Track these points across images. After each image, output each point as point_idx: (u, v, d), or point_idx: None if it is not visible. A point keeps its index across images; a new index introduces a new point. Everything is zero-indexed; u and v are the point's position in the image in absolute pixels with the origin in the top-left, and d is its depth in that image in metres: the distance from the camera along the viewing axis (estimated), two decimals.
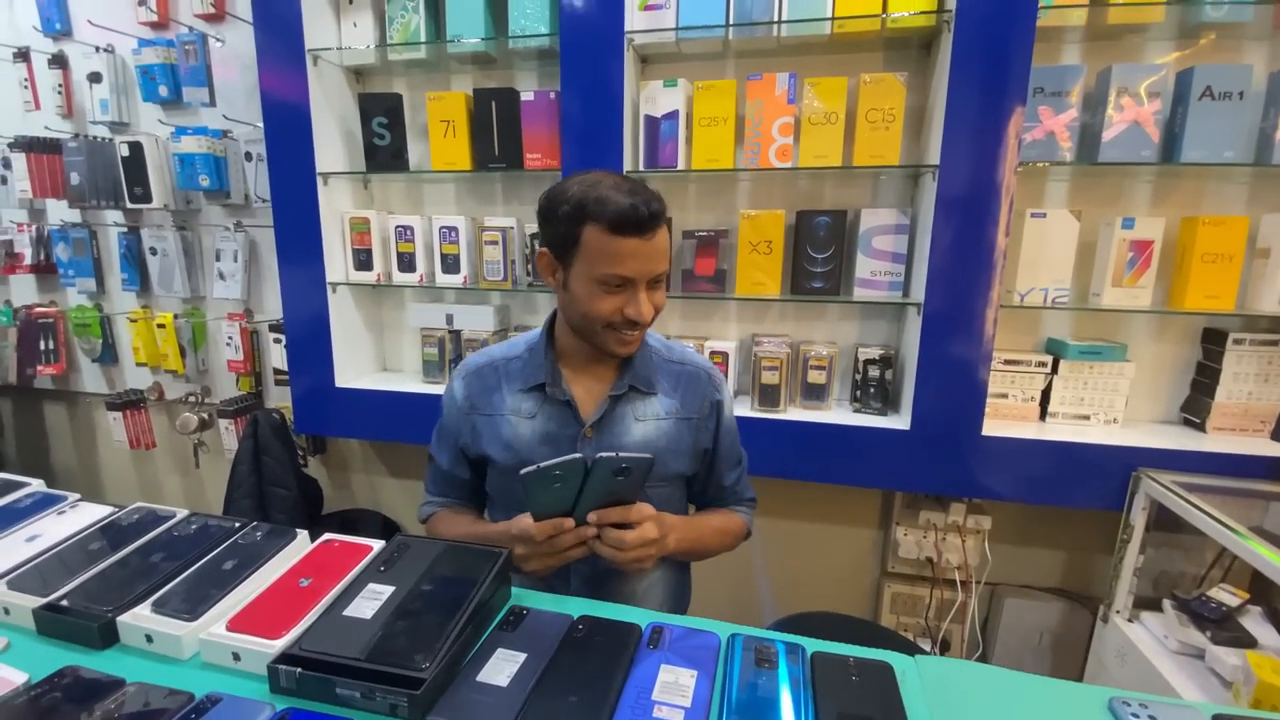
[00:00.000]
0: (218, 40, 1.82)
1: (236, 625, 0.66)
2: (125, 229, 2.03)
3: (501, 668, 0.63)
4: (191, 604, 0.70)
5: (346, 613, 0.67)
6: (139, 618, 0.68)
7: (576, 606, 0.74)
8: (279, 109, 1.61)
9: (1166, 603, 1.30)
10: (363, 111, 1.63)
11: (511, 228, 1.60)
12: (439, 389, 1.71)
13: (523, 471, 0.69)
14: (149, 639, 0.67)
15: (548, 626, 0.69)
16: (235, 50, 1.81)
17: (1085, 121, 1.34)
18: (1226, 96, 1.25)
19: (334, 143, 1.68)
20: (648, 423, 0.96)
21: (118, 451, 2.26)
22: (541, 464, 0.69)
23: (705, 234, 1.52)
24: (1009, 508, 1.55)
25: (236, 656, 0.65)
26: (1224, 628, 1.20)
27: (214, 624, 0.67)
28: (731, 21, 1.37)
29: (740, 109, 1.44)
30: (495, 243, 1.59)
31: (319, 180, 1.63)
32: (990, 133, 1.26)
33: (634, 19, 1.40)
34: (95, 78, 1.91)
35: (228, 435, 1.97)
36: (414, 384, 1.75)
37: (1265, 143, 1.28)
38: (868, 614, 1.77)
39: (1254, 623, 1.22)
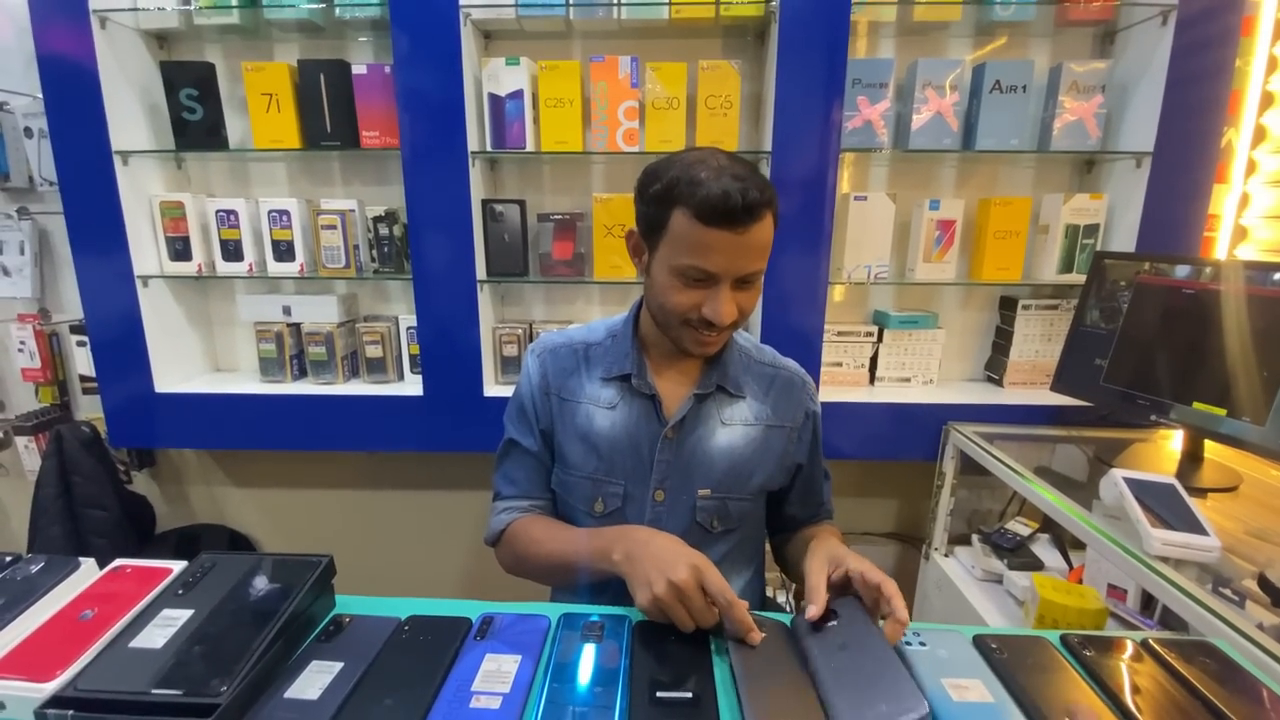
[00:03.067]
0: None
1: (1, 669, 0.59)
2: None
3: (314, 680, 0.60)
4: None
5: (134, 644, 0.61)
6: None
7: (406, 608, 0.72)
8: (61, 78, 1.40)
9: (974, 537, 1.48)
10: (167, 82, 1.45)
11: (352, 210, 1.51)
12: (280, 388, 1.59)
13: None
14: None
15: (371, 631, 0.67)
16: (9, 10, 1.54)
17: (899, 111, 1.47)
18: (1012, 90, 1.41)
19: (133, 117, 1.49)
20: (734, 428, 0.89)
21: None
22: None
23: (561, 217, 1.51)
24: (847, 465, 1.69)
25: (1, 705, 0.57)
26: (1018, 555, 1.40)
27: None
28: (572, 1, 1.36)
29: (586, 90, 1.43)
30: (333, 227, 1.49)
31: (116, 159, 1.43)
32: (815, 121, 1.35)
33: None
34: None
35: (28, 454, 1.72)
36: (251, 384, 1.61)
37: (1045, 131, 1.46)
38: None
39: (1042, 548, 1.43)
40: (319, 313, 1.57)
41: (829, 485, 1.04)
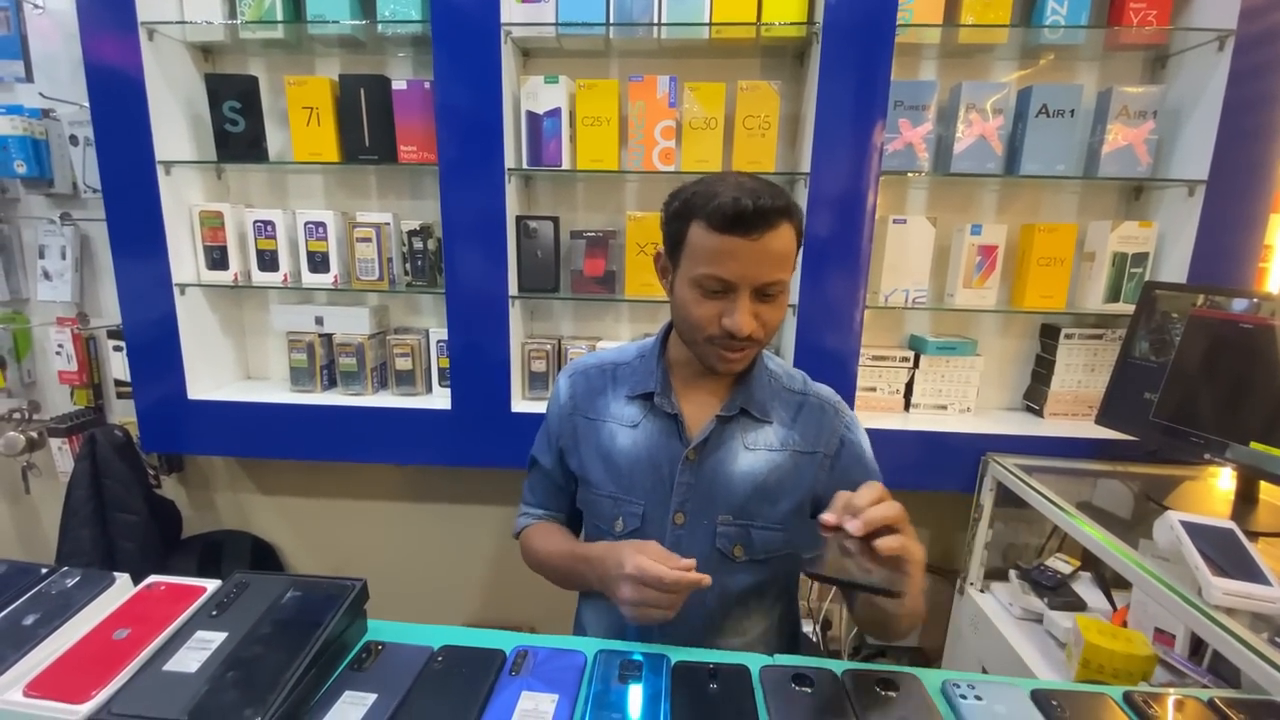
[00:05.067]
0: (36, 6, 1.59)
1: (35, 689, 0.58)
2: None
3: (347, 713, 0.58)
4: None
5: (168, 668, 0.60)
6: None
7: (438, 637, 0.70)
8: (108, 88, 1.42)
9: (1012, 573, 1.43)
10: (211, 94, 1.47)
11: (387, 224, 1.51)
12: (309, 398, 1.59)
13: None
14: None
15: (404, 661, 0.66)
16: (57, 18, 1.58)
17: (940, 134, 1.44)
18: (1060, 114, 1.38)
19: (178, 128, 1.51)
20: (757, 453, 0.86)
21: None
22: None
23: (594, 234, 1.50)
24: None
25: None
26: (1059, 594, 1.35)
27: (9, 689, 0.58)
28: (612, 20, 1.36)
29: (623, 109, 1.43)
30: (369, 240, 1.50)
31: (159, 169, 1.46)
32: (855, 142, 1.33)
33: (512, 10, 1.35)
34: None
35: (62, 456, 1.74)
36: (281, 393, 1.61)
37: (1092, 157, 1.42)
38: None
39: (1084, 588, 1.38)
40: (351, 324, 1.58)
41: None
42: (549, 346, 1.57)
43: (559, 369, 1.57)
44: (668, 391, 0.88)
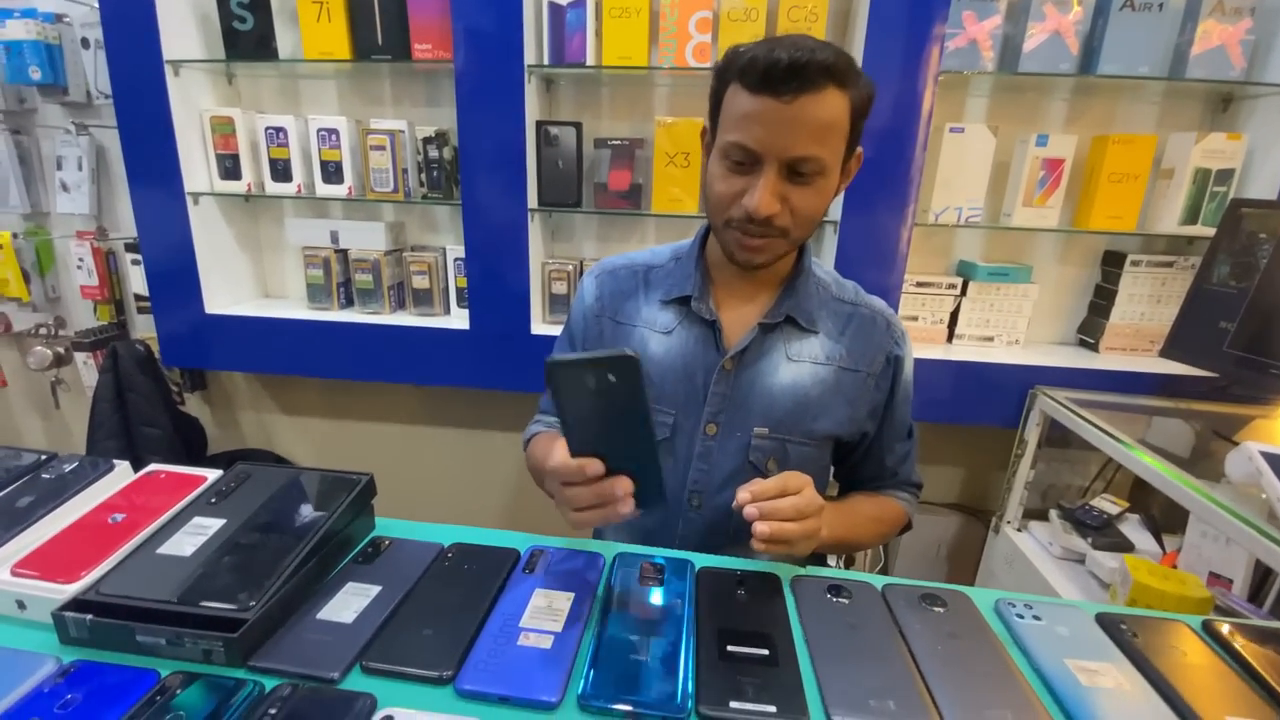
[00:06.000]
0: None
1: (24, 568, 0.55)
2: None
3: (349, 603, 0.55)
4: None
5: (161, 550, 0.56)
6: None
7: (450, 535, 0.66)
8: None
9: (1053, 512, 1.36)
10: None
11: (401, 131, 1.43)
12: (326, 315, 1.55)
13: (549, 360, 0.50)
14: None
15: (412, 556, 0.62)
16: None
17: (1007, 32, 1.29)
18: (1147, 7, 1.22)
19: (185, 25, 1.43)
20: (801, 365, 0.79)
21: None
22: (576, 356, 0.51)
23: (619, 143, 1.40)
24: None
25: (21, 605, 0.54)
26: (1104, 534, 1.27)
27: None
28: None
29: (654, 1, 1.30)
30: (382, 148, 1.42)
31: (168, 70, 1.39)
32: (912, 37, 1.19)
33: None
34: None
35: (87, 371, 1.74)
36: (299, 310, 1.58)
37: (1180, 58, 1.27)
38: None
39: (1132, 529, 1.30)
40: (366, 240, 1.52)
41: (909, 448, 0.90)
42: (570, 267, 1.49)
43: None
44: (705, 296, 0.80)
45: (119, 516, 0.62)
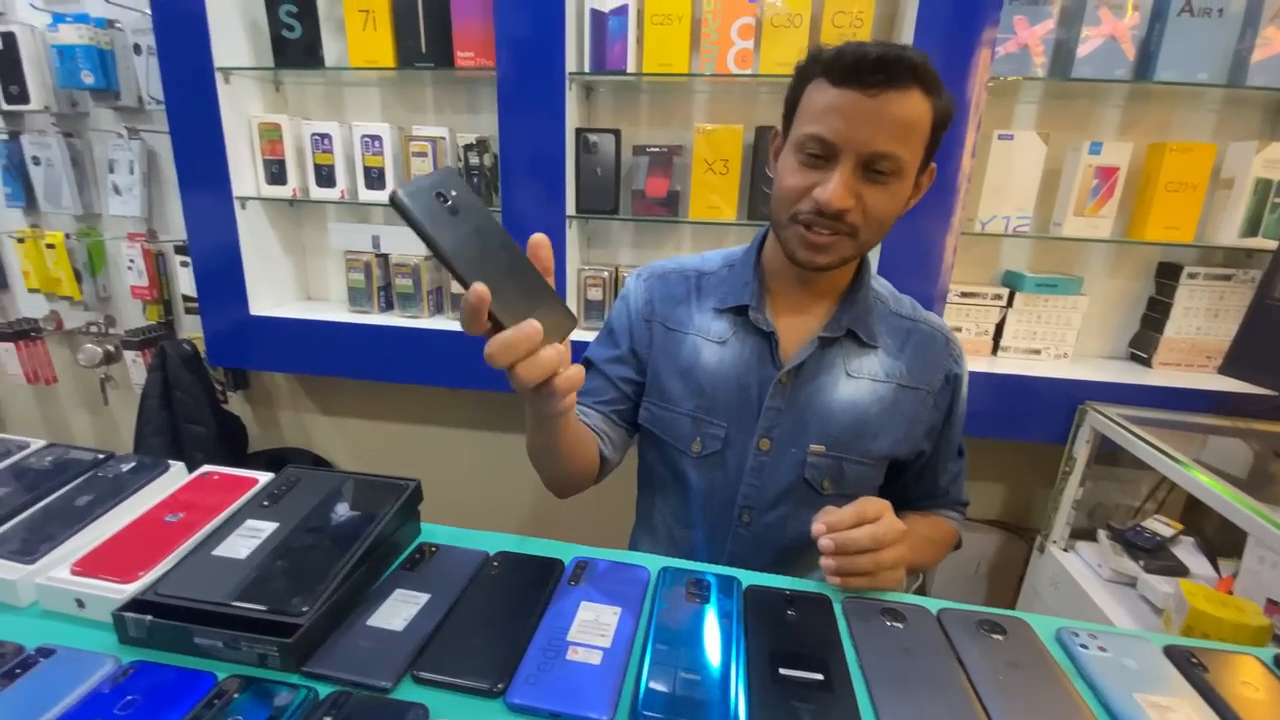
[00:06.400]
0: None
1: (83, 568, 0.56)
2: (4, 135, 1.77)
3: (398, 610, 0.55)
4: (33, 544, 0.59)
5: (216, 552, 0.57)
6: None
7: (494, 543, 0.66)
8: None
9: (1101, 533, 1.31)
10: None
11: (443, 138, 1.45)
12: (367, 318, 1.58)
13: (391, 193, 0.45)
14: None
15: (458, 564, 0.62)
16: None
17: (1059, 36, 1.26)
18: (1206, 13, 1.18)
19: (235, 33, 1.47)
20: (860, 381, 0.76)
21: (15, 387, 2.05)
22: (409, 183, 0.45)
23: (658, 150, 1.40)
24: None
25: (81, 604, 0.55)
26: (1157, 557, 1.23)
27: (56, 566, 0.57)
28: None
29: (696, 8, 1.30)
30: (424, 154, 1.44)
31: (218, 77, 1.43)
32: (963, 43, 1.17)
33: None
34: None
35: (135, 369, 1.80)
36: (340, 313, 1.61)
37: (1239, 65, 1.22)
38: None
39: (1186, 553, 1.25)
40: (407, 244, 1.54)
41: (960, 467, 0.89)
42: (606, 274, 1.49)
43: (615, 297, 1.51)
44: (763, 306, 0.77)
45: (175, 517, 0.63)
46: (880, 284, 0.83)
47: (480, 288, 0.45)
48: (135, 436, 1.71)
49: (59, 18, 1.59)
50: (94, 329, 1.89)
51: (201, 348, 1.70)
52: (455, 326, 1.54)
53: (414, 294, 1.57)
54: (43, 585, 0.55)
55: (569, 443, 0.71)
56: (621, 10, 1.29)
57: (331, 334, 1.56)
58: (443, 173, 0.47)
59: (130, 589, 0.54)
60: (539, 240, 0.51)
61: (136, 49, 1.61)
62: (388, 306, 1.62)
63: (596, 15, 1.30)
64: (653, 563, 0.63)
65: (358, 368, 1.58)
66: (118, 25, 1.62)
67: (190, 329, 1.83)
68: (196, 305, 1.64)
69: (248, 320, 1.58)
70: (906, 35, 1.21)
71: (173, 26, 1.41)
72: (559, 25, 1.27)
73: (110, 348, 1.87)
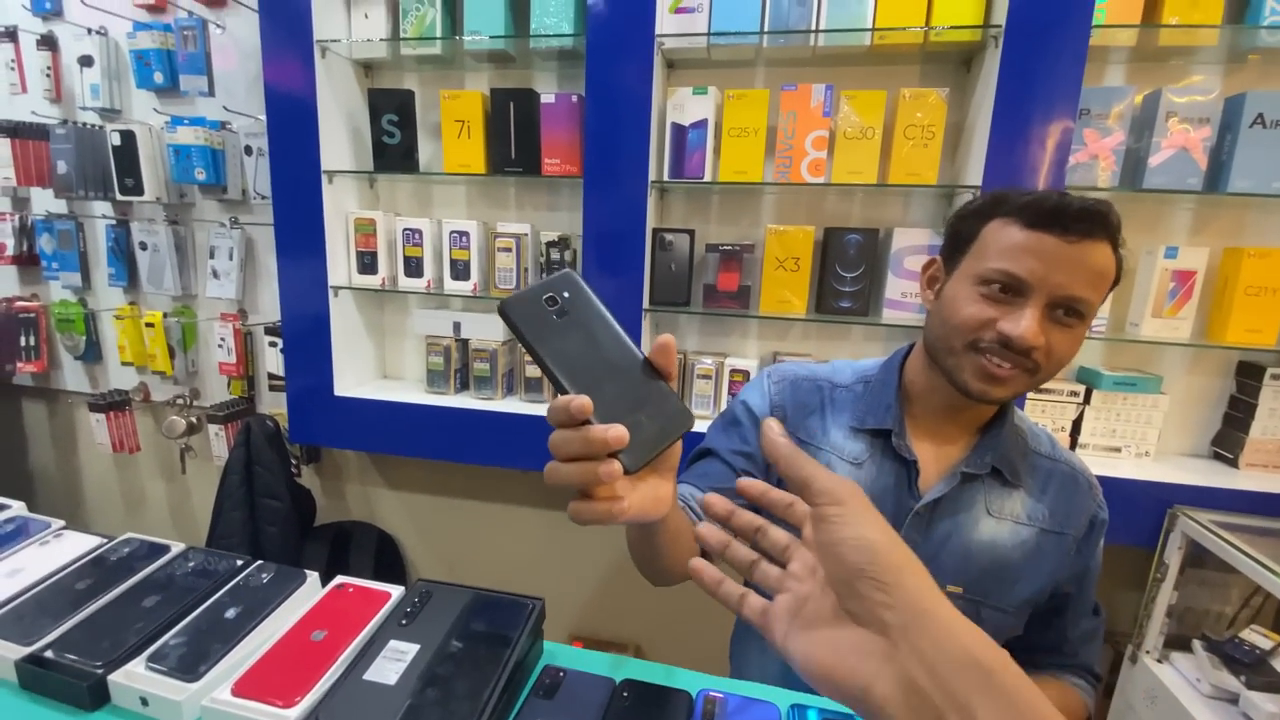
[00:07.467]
0: (218, 26, 1.73)
1: (243, 689, 0.59)
2: (114, 222, 1.93)
3: None
4: (191, 661, 0.62)
5: (368, 676, 0.60)
6: (133, 676, 0.60)
7: (616, 668, 0.67)
8: (283, 102, 1.53)
9: (1197, 644, 1.26)
10: (372, 108, 1.55)
11: (525, 234, 1.53)
12: (443, 400, 1.63)
13: (499, 304, 0.43)
14: (144, 702, 0.60)
15: (589, 692, 0.63)
16: (236, 38, 1.73)
17: (1129, 146, 1.30)
18: (1278, 125, 1.21)
19: (340, 140, 1.60)
20: (1002, 523, 0.73)
21: (99, 455, 2.16)
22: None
23: (730, 247, 1.46)
24: None
25: None
26: (1258, 672, 1.17)
27: (217, 686, 0.60)
28: (767, 29, 1.31)
29: (772, 120, 1.38)
30: (509, 249, 1.52)
31: (324, 178, 1.55)
32: (1035, 155, 1.22)
33: (664, 22, 1.33)
34: (86, 61, 1.81)
35: (216, 441, 1.88)
36: (416, 394, 1.67)
37: None
38: None
39: None
40: (486, 330, 1.61)
41: (1095, 626, 0.83)
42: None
43: (682, 384, 1.54)
44: (904, 433, 0.75)
45: (320, 634, 0.66)
46: (1020, 418, 0.80)
47: (581, 400, 0.41)
48: (214, 509, 1.77)
49: (177, 120, 1.75)
50: (179, 401, 1.99)
51: (283, 423, 1.78)
52: (527, 409, 1.58)
53: (490, 376, 1.63)
54: (207, 707, 0.58)
55: (667, 538, 0.65)
56: (701, 124, 1.38)
57: (410, 414, 1.62)
58: (559, 276, 0.47)
59: (292, 715, 0.57)
60: (666, 344, 0.46)
61: (248, 150, 1.76)
62: (463, 387, 1.68)
63: (677, 128, 1.39)
64: (781, 699, 0.64)
65: (433, 448, 1.63)
66: (230, 128, 1.78)
67: (269, 405, 1.92)
68: (280, 383, 1.73)
69: (331, 400, 1.65)
70: (976, 147, 1.26)
71: (286, 133, 1.55)
72: (645, 138, 1.36)
73: (193, 419, 1.96)
